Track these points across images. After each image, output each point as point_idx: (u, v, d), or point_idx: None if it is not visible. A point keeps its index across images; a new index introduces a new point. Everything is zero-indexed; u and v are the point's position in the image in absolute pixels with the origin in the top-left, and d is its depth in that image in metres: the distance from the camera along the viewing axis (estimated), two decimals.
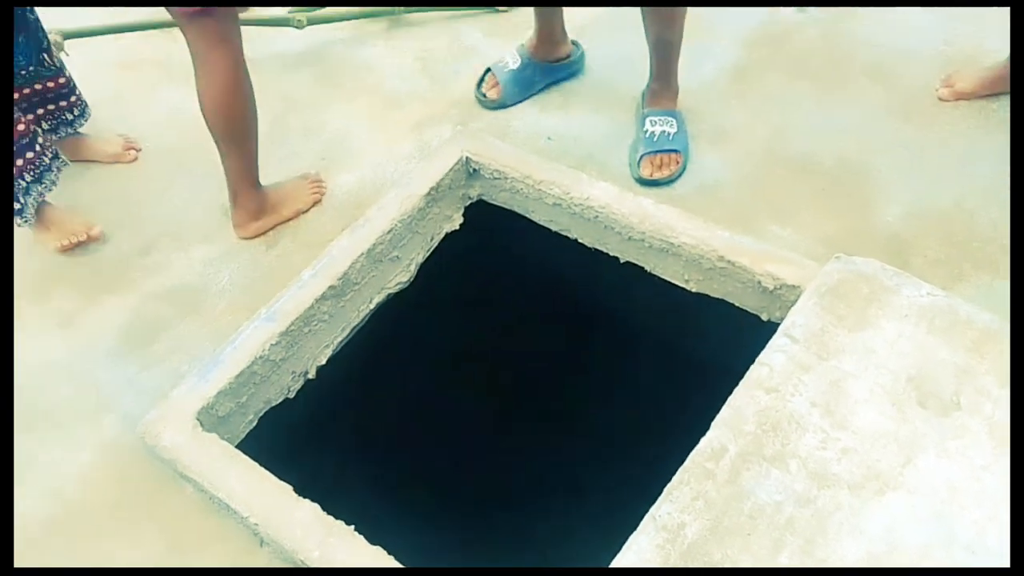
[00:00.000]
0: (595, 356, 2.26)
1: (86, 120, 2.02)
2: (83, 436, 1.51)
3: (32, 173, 1.75)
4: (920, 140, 1.82)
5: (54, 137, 1.94)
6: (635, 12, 1.75)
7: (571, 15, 2.08)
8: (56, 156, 1.81)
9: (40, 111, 1.91)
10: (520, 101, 2.06)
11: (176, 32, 1.61)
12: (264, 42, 2.32)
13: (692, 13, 1.79)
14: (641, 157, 1.82)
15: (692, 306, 1.73)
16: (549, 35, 2.03)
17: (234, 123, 1.67)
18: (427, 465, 1.95)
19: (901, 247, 1.61)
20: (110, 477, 1.47)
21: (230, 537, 1.37)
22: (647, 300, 1.85)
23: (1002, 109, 1.84)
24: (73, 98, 1.97)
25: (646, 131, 1.84)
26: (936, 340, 1.33)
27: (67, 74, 1.95)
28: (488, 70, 2.08)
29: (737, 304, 1.65)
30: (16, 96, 1.80)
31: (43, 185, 1.78)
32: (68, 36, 2.26)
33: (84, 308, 1.74)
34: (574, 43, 2.10)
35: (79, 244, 1.84)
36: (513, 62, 2.06)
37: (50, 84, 1.90)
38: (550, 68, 2.07)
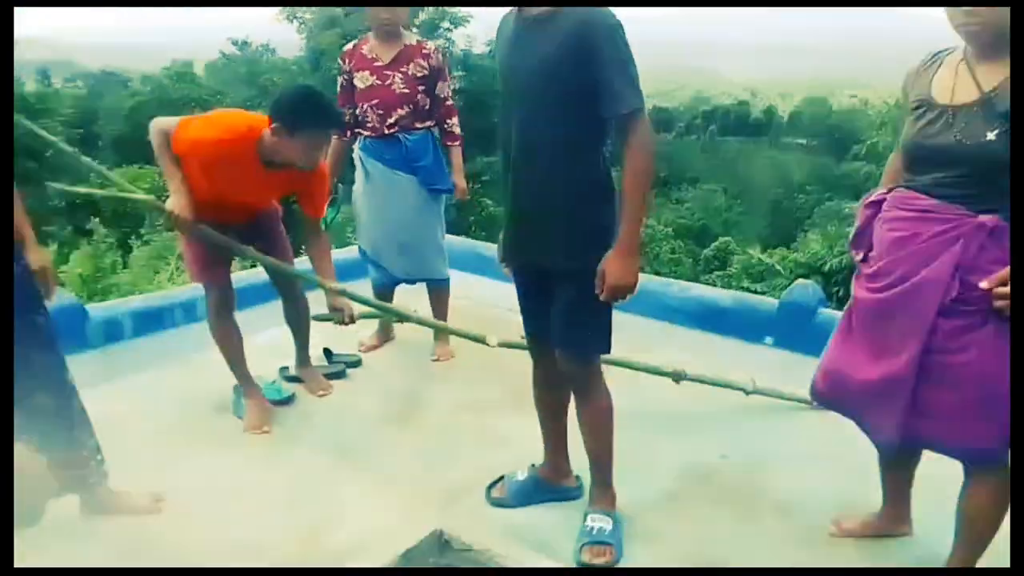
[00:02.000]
0: None
1: (102, 486, 2.35)
2: None
3: None
4: (814, 561, 2.22)
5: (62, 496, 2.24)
6: None
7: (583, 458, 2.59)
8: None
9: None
10: (520, 506, 2.46)
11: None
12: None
13: (634, 443, 2.35)
14: (582, 546, 2.22)
15: None
16: (556, 469, 2.52)
17: None
18: None
19: None
20: None
21: None
22: None
23: (881, 549, 2.27)
24: (92, 464, 2.31)
25: (587, 525, 2.27)
26: None
27: (89, 444, 2.30)
28: (502, 477, 2.55)
29: None
30: None
31: None
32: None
33: None
34: (577, 477, 2.55)
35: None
36: (522, 475, 2.53)
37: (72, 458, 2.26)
38: (552, 489, 2.51)
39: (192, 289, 4.19)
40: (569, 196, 2.08)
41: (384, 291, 3.75)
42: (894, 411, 1.90)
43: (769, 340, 3.88)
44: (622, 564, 2.20)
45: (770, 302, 4.11)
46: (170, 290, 4.97)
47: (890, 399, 1.91)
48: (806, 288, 3.91)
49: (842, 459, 2.61)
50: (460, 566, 2.24)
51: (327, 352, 3.54)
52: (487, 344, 3.09)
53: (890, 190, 1.98)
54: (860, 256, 2.03)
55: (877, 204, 2.01)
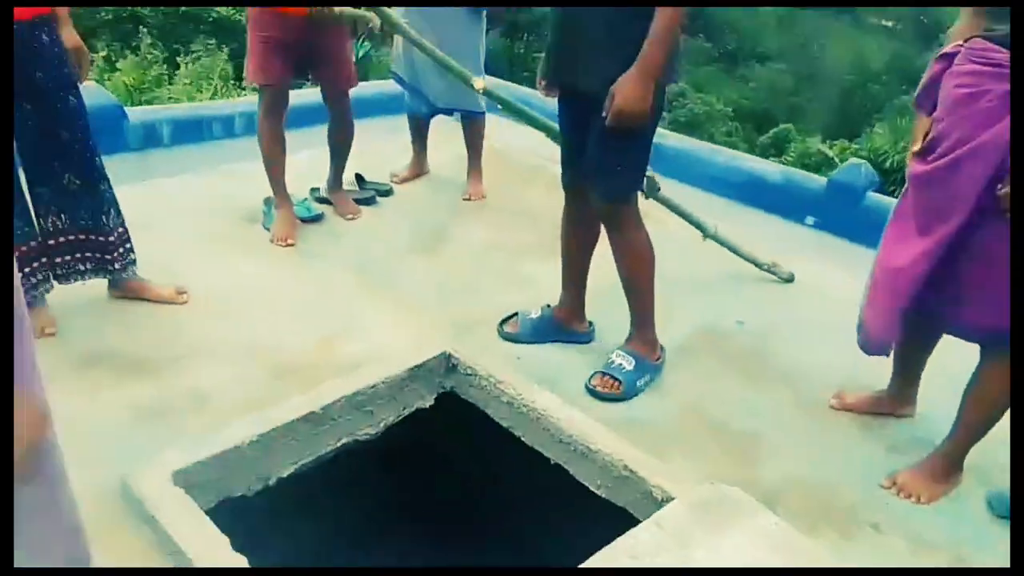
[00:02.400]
0: (513, 520, 2.49)
1: (128, 274, 2.46)
2: (75, 474, 1.80)
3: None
4: (809, 428, 2.25)
5: (87, 279, 2.39)
6: None
7: (598, 304, 2.58)
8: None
9: (78, 255, 2.34)
10: (530, 343, 2.50)
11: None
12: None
13: (660, 298, 2.34)
14: (594, 373, 2.30)
15: (599, 511, 2.04)
16: (572, 312, 2.53)
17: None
18: None
19: (770, 497, 1.95)
20: (84, 509, 1.73)
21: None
22: (564, 500, 2.16)
23: (879, 426, 2.29)
24: (121, 251, 2.41)
25: (609, 358, 2.32)
26: (772, 556, 1.64)
27: (118, 230, 2.40)
28: (516, 313, 2.59)
29: (634, 514, 1.96)
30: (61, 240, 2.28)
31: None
32: None
33: (112, 386, 2.12)
34: (591, 323, 2.58)
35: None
36: (536, 313, 2.56)
37: (100, 238, 2.36)
38: (564, 331, 2.53)
39: (231, 104, 4.17)
40: (614, 16, 1.98)
41: (421, 121, 3.69)
42: (918, 288, 1.85)
43: (811, 220, 3.77)
44: (628, 408, 2.25)
45: (819, 180, 3.95)
46: (211, 102, 4.94)
47: (919, 277, 1.85)
48: (858, 168, 3.75)
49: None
50: (462, 387, 2.31)
51: (359, 178, 3.54)
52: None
53: (967, 40, 1.81)
54: (923, 114, 1.89)
55: (949, 57, 1.84)
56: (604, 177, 2.17)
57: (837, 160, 14.14)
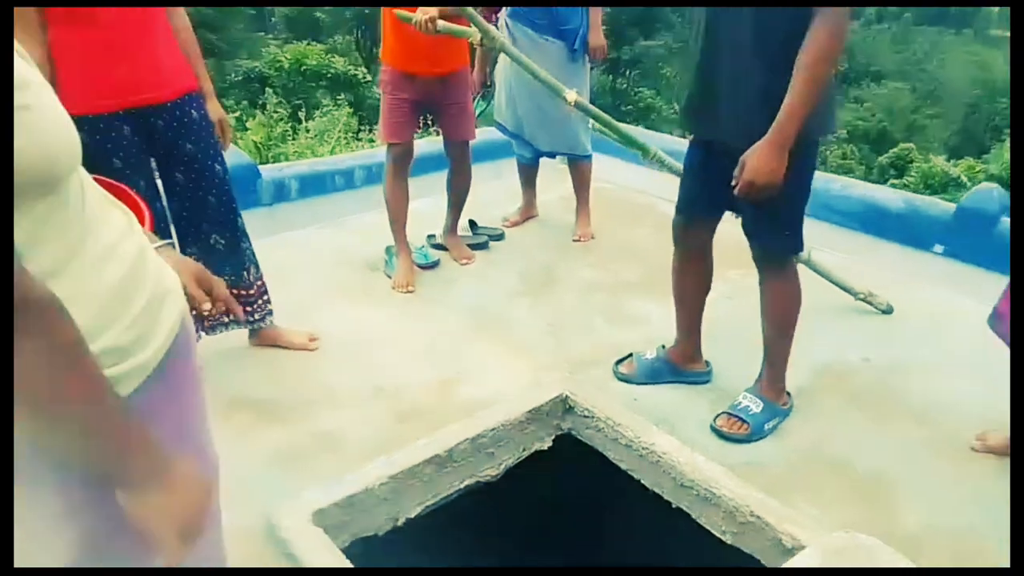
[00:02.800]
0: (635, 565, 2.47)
1: (266, 324, 2.63)
2: (224, 514, 1.95)
3: None
4: (946, 473, 2.13)
5: (231, 329, 2.57)
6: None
7: (714, 342, 2.58)
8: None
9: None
10: (646, 384, 2.50)
11: None
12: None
13: None
14: (721, 413, 2.29)
15: (727, 558, 2.00)
16: (687, 352, 2.52)
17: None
18: None
19: (910, 546, 1.85)
20: (230, 546, 1.86)
21: None
22: (688, 547, 2.13)
23: None
24: (260, 303, 2.59)
25: (737, 400, 2.30)
26: None
27: (257, 284, 2.57)
28: (631, 354, 2.60)
29: (761, 560, 1.92)
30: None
31: None
32: None
33: (255, 429, 2.28)
34: (707, 363, 2.56)
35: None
36: (651, 354, 2.56)
37: (243, 292, 2.53)
38: (680, 372, 2.52)
39: (352, 158, 4.42)
40: (764, 68, 1.91)
41: (529, 167, 3.79)
42: None
43: (939, 248, 3.59)
44: (748, 451, 2.21)
45: (945, 206, 3.76)
46: (331, 157, 5.25)
47: None
48: (989, 192, 3.55)
49: (997, 368, 2.44)
50: (580, 429, 2.34)
51: (472, 224, 3.66)
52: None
53: None
54: None
55: None
56: (763, 235, 2.17)
57: (964, 179, 13.33)
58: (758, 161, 1.90)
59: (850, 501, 2.03)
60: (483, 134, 4.84)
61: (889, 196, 4.04)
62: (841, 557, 1.68)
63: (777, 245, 2.18)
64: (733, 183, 1.97)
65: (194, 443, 1.03)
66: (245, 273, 2.54)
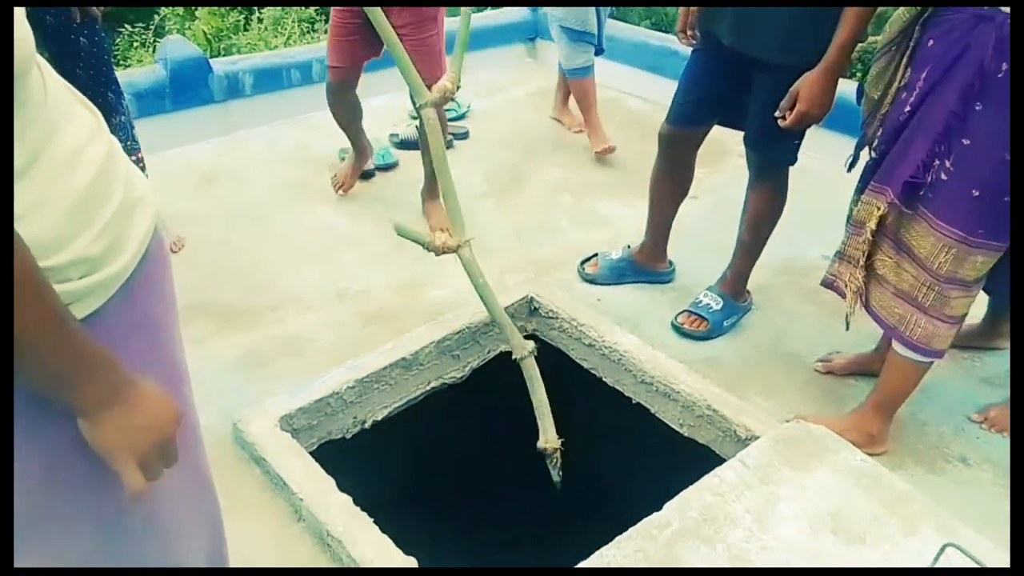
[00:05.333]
0: (595, 459, 2.58)
1: None
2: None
3: None
4: None
5: None
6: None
7: (676, 242, 2.59)
8: None
9: None
10: (609, 284, 2.52)
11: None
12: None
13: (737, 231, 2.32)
14: (681, 311, 2.33)
15: (680, 449, 2.08)
16: (653, 253, 2.53)
17: None
18: (445, 517, 2.28)
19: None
20: None
21: (275, 509, 1.74)
22: (646, 439, 2.21)
23: (971, 359, 2.23)
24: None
25: (697, 298, 2.34)
26: (858, 492, 1.65)
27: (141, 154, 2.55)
28: (596, 254, 2.61)
29: (717, 451, 2.00)
30: None
31: None
32: None
33: (216, 335, 2.27)
34: (671, 263, 2.58)
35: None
36: (616, 254, 2.57)
37: (133, 159, 2.48)
38: (644, 271, 2.54)
39: (308, 51, 4.22)
40: None
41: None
42: None
43: None
44: (707, 347, 2.27)
45: None
46: (288, 50, 5.02)
47: None
48: None
49: None
50: (545, 330, 2.37)
51: None
52: None
53: None
54: None
55: None
56: (769, 148, 2.14)
57: None
58: (813, 91, 1.86)
59: (803, 394, 2.11)
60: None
61: None
62: (791, 446, 1.76)
63: (780, 157, 2.17)
64: (779, 114, 1.93)
65: (163, 365, 0.99)
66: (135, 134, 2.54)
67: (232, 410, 1.94)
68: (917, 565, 1.49)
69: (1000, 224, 1.65)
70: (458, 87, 2.10)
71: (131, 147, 2.57)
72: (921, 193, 1.71)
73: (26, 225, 0.72)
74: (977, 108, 1.60)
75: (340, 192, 3.02)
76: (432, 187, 2.84)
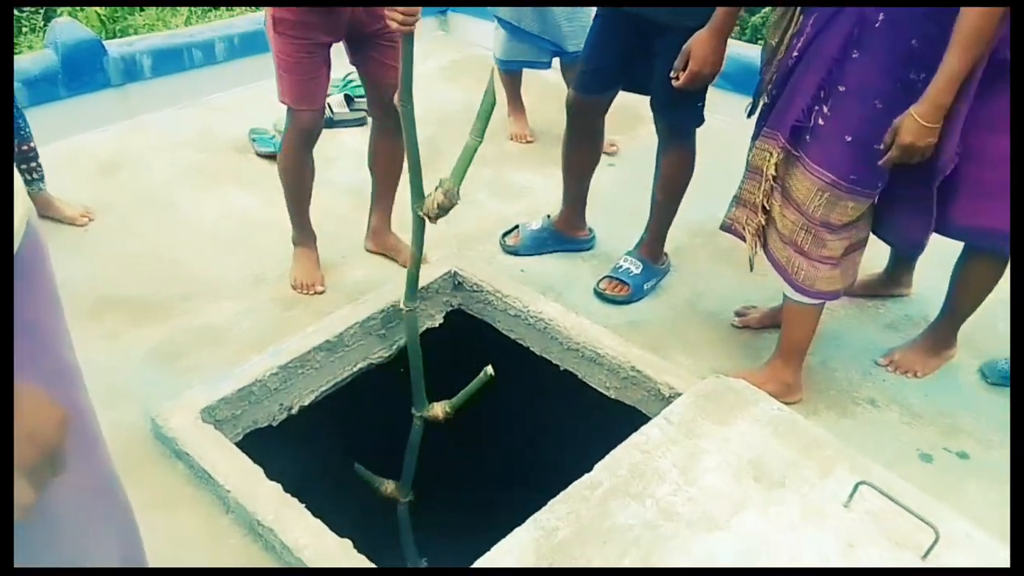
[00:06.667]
0: (527, 427, 2.62)
1: (35, 189, 2.54)
2: (100, 416, 1.88)
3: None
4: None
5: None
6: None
7: (595, 209, 2.61)
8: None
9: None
10: (531, 255, 2.53)
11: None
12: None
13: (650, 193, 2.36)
14: (603, 277, 2.37)
15: (609, 411, 2.13)
16: (572, 221, 2.55)
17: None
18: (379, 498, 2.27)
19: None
20: (115, 449, 1.81)
21: (201, 502, 1.69)
22: (574, 403, 2.25)
23: (875, 306, 2.35)
24: (34, 164, 2.53)
25: (617, 263, 2.38)
26: (777, 440, 1.72)
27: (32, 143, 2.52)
28: (517, 226, 2.60)
29: (643, 411, 2.05)
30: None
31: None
32: None
33: (128, 329, 2.18)
34: (590, 230, 2.61)
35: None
36: (536, 224, 2.57)
37: (24, 148, 2.47)
38: (565, 239, 2.56)
39: (210, 29, 4.04)
40: None
41: (515, 76, 3.35)
42: None
43: None
44: (629, 311, 2.31)
45: None
46: (188, 28, 4.79)
47: None
48: None
49: None
50: (470, 304, 2.37)
51: (348, 98, 3.48)
52: None
53: None
54: None
55: None
56: (675, 111, 2.18)
57: None
58: (704, 51, 1.90)
59: (722, 350, 2.18)
60: None
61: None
62: (712, 400, 1.82)
63: (687, 120, 2.21)
64: (673, 74, 1.97)
65: (46, 368, 0.94)
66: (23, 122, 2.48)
67: (150, 405, 1.87)
68: (833, 504, 1.57)
69: (870, 172, 1.75)
70: (454, 203, 1.83)
71: (22, 136, 2.43)
72: (803, 137, 1.78)
73: None
74: (854, 56, 1.67)
75: (317, 291, 2.37)
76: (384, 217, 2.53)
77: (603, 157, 2.55)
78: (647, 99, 2.28)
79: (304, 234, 2.42)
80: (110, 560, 1.07)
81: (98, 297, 2.30)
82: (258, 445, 1.92)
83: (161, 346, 2.12)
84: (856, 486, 1.56)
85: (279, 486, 1.65)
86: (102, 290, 2.32)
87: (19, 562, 0.91)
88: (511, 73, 3.32)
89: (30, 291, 0.94)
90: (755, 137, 1.97)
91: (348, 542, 1.54)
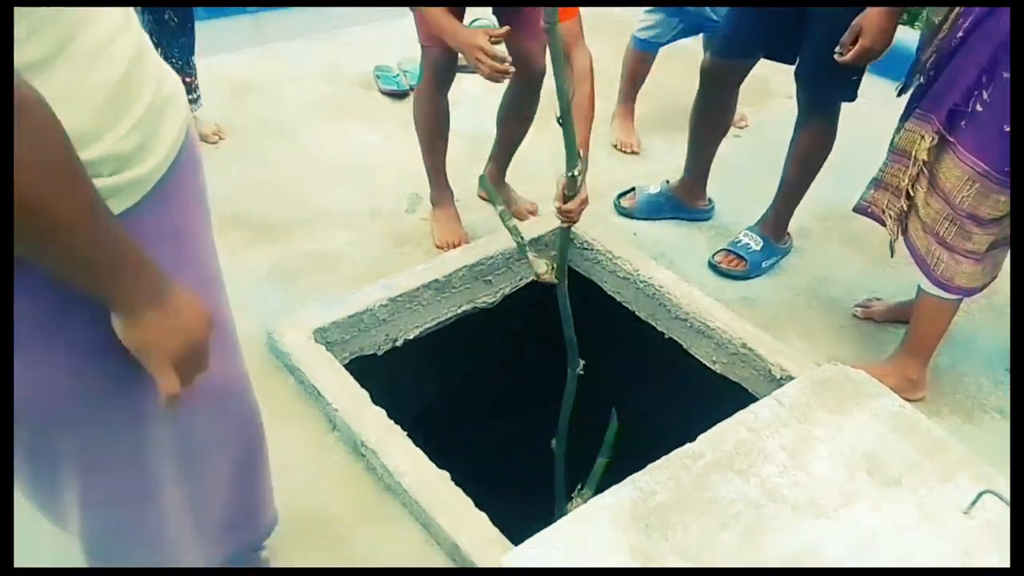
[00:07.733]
0: (624, 390, 2.56)
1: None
2: None
3: None
4: None
5: None
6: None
7: (716, 180, 2.51)
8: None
9: None
10: (645, 219, 2.47)
11: None
12: None
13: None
14: (719, 250, 2.29)
15: (712, 386, 2.07)
16: (692, 189, 2.47)
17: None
18: (473, 437, 2.30)
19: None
20: None
21: (311, 418, 1.75)
22: (678, 372, 2.20)
23: None
24: (193, 96, 2.62)
25: (737, 237, 2.29)
26: (895, 437, 1.63)
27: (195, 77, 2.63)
28: (633, 188, 2.55)
29: (750, 390, 1.99)
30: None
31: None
32: None
33: (249, 247, 2.25)
34: (710, 200, 2.52)
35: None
36: (654, 189, 2.50)
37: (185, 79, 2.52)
38: (682, 207, 2.48)
39: None
40: None
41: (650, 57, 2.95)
42: None
43: None
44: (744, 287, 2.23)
45: None
46: None
47: None
48: None
49: None
50: (578, 261, 2.34)
51: None
52: None
53: None
54: None
55: None
56: (824, 84, 2.07)
57: None
58: (877, 26, 1.80)
59: (840, 339, 2.08)
60: None
61: None
62: (829, 388, 1.74)
63: (836, 93, 2.10)
64: (839, 49, 1.87)
65: (196, 272, 0.97)
66: (193, 59, 2.57)
67: (265, 320, 1.93)
68: (952, 510, 1.48)
69: None
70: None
71: (186, 70, 2.53)
72: (959, 123, 1.66)
73: None
74: None
75: (458, 245, 2.31)
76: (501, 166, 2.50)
77: (728, 128, 2.45)
78: (780, 70, 2.17)
79: (442, 192, 2.35)
80: (225, 462, 1.11)
81: (223, 214, 2.37)
82: (362, 371, 1.96)
83: (278, 266, 2.19)
84: (980, 494, 1.46)
85: (383, 411, 1.68)
86: (227, 207, 2.40)
87: (151, 460, 0.96)
88: (648, 52, 2.93)
89: (186, 196, 0.97)
90: (904, 118, 1.85)
91: (446, 473, 1.56)
